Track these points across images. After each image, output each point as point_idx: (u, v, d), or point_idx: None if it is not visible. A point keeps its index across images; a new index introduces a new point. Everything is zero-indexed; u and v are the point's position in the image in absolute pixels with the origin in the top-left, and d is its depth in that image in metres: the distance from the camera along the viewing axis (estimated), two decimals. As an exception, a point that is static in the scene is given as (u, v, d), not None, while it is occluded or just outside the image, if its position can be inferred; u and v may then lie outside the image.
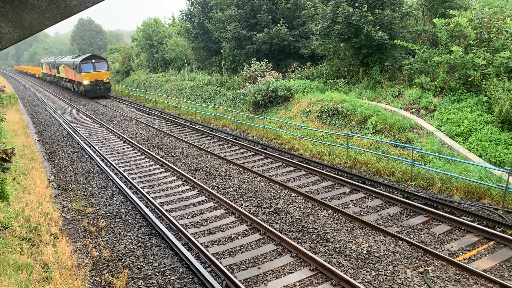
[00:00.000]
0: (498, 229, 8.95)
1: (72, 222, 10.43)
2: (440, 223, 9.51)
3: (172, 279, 7.71)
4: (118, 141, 19.65)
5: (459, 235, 8.93)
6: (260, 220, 9.99)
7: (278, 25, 24.60)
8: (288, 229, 9.55)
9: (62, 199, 11.99)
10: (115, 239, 9.44)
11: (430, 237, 8.91)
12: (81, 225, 10.19)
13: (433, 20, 17.04)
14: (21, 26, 4.36)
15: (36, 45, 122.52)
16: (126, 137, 19.81)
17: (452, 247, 8.42)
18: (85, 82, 36.76)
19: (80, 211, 11.09)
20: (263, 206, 10.96)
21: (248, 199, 11.52)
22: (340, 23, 18.61)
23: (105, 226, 10.12)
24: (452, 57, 14.89)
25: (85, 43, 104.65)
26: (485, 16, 15.27)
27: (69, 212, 11.06)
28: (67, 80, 44.91)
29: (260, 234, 9.31)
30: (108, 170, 14.41)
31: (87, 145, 18.70)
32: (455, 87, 15.03)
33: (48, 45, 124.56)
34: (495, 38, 14.64)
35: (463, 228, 9.13)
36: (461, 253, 8.21)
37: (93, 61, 37.18)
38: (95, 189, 12.86)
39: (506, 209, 9.89)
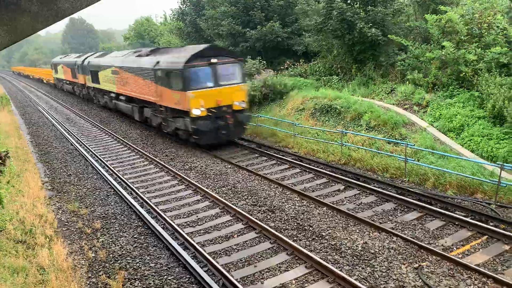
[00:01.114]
0: (491, 224, 9.04)
1: (67, 223, 10.39)
2: (434, 218, 9.59)
3: (169, 279, 7.73)
4: (111, 141, 19.57)
5: (453, 230, 9.02)
6: (256, 218, 10.01)
7: (272, 21, 24.61)
8: (284, 227, 9.60)
9: (57, 201, 11.94)
10: (110, 240, 9.43)
11: (424, 232, 8.99)
12: (76, 227, 10.16)
13: (424, 16, 17.14)
14: (13, 30, 4.34)
15: (27, 45, 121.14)
16: (120, 137, 19.73)
17: (446, 242, 8.50)
18: (196, 111, 15.08)
19: (75, 213, 11.05)
20: (258, 205, 10.99)
21: (243, 198, 11.54)
22: (334, 19, 18.64)
23: (100, 227, 10.10)
24: (443, 53, 15.00)
25: (76, 42, 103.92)
26: (476, 12, 15.39)
27: (64, 213, 11.02)
28: (125, 99, 22.46)
29: (255, 232, 9.34)
30: (102, 170, 14.37)
31: (80, 145, 18.60)
32: (447, 83, 15.15)
33: (39, 45, 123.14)
34: (486, 33, 14.77)
35: (456, 223, 9.22)
36: (455, 248, 8.30)
37: (214, 61, 15.41)
38: (90, 190, 12.82)
39: (498, 203, 10.01)
